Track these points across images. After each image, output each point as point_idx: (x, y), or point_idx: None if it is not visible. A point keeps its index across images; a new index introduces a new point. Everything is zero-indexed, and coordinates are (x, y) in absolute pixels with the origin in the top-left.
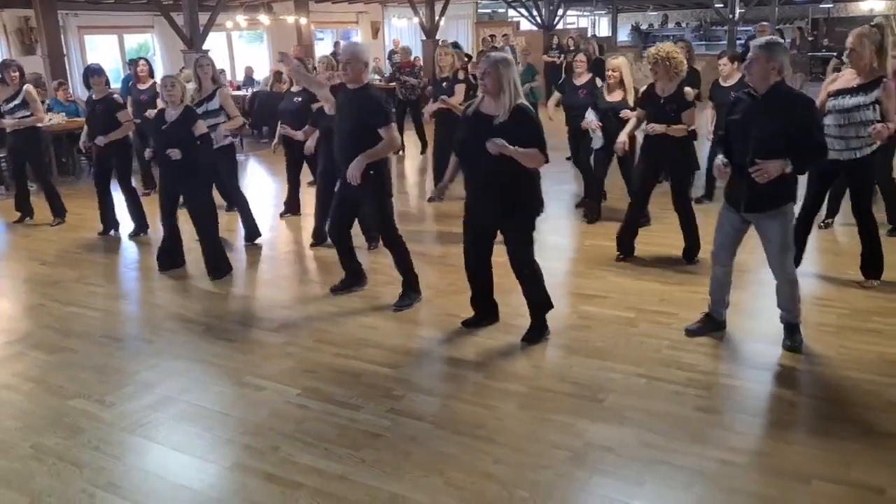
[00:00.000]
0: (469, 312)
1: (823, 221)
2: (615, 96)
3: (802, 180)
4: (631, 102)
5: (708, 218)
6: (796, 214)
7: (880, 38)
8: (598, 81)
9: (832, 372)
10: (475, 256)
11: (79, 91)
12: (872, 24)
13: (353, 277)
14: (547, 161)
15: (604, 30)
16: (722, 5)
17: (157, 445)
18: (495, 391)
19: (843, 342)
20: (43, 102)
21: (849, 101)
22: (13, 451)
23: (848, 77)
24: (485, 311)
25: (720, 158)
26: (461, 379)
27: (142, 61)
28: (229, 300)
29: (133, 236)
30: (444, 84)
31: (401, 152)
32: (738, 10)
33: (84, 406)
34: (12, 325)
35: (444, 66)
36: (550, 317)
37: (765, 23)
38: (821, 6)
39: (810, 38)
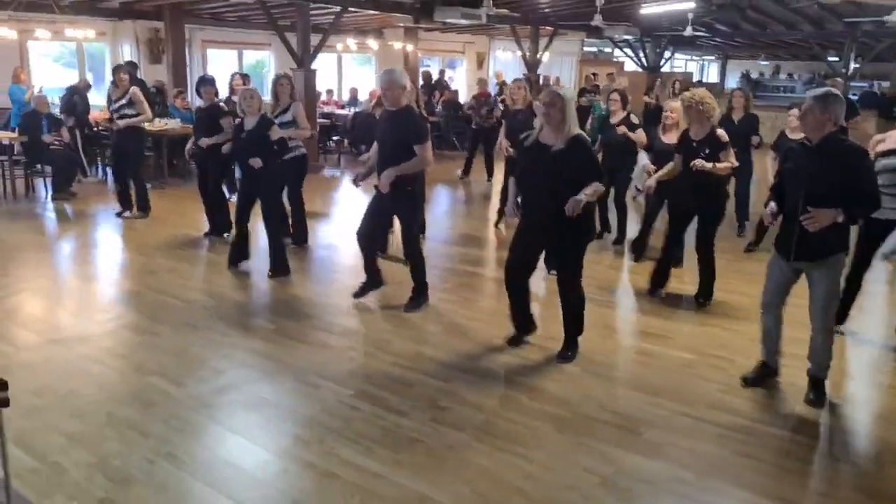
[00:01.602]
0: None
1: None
2: (671, 137)
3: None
4: None
5: (751, 264)
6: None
7: None
8: (634, 118)
9: (884, 435)
10: (517, 277)
11: (196, 100)
12: None
13: (374, 282)
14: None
15: (713, 76)
16: (836, 59)
17: (218, 426)
18: (538, 412)
19: None
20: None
21: None
22: (92, 417)
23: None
24: (524, 326)
25: (771, 206)
26: (508, 398)
27: (237, 76)
28: (303, 303)
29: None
30: (518, 116)
31: (468, 177)
32: (852, 65)
33: (160, 384)
34: (111, 307)
35: (517, 98)
36: (610, 349)
37: (838, 79)
38: None
39: None
